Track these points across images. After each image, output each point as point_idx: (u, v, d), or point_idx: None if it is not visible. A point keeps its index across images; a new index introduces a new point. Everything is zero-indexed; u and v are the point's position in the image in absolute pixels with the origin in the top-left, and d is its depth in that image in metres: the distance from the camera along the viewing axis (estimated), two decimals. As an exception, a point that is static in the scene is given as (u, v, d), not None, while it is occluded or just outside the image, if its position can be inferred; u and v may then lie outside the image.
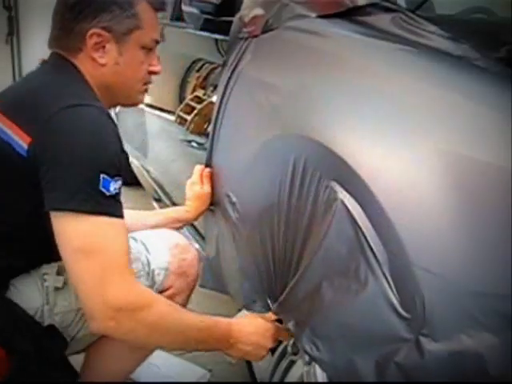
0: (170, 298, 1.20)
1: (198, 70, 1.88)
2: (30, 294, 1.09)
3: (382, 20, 1.03)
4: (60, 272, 1.10)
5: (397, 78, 0.91)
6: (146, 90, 1.23)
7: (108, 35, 1.09)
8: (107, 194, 0.99)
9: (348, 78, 0.99)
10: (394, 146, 0.85)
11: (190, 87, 1.90)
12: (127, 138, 2.98)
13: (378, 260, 0.82)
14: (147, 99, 2.44)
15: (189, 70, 1.95)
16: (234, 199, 1.25)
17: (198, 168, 1.41)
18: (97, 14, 1.08)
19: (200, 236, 1.81)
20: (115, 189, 1.00)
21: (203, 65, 1.84)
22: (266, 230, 1.11)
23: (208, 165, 1.40)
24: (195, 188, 1.39)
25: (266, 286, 1.16)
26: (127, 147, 2.99)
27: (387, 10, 1.04)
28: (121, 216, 1.02)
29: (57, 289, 1.10)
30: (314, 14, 1.15)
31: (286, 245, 1.06)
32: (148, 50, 1.17)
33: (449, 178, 0.77)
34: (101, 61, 1.11)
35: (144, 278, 1.17)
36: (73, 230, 0.97)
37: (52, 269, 1.11)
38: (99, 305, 0.96)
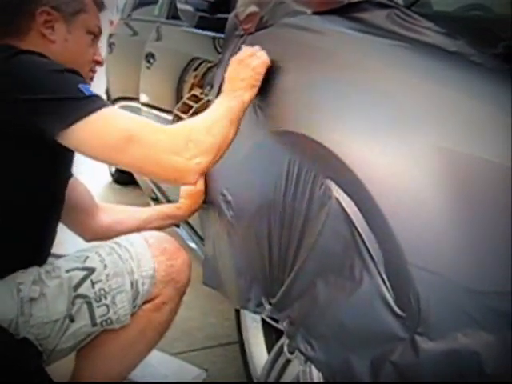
0: (159, 306, 1.19)
1: (195, 69, 1.87)
2: (4, 304, 1.05)
3: (378, 16, 1.02)
4: (36, 282, 1.08)
5: (392, 74, 0.90)
6: (91, 79, 1.24)
7: (57, 14, 1.14)
8: (94, 94, 1.03)
9: (343, 74, 0.98)
10: (389, 144, 0.84)
11: (187, 86, 1.89)
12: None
13: (372, 258, 0.82)
14: (144, 98, 2.44)
15: (186, 68, 1.95)
16: (229, 197, 1.24)
17: None
18: None
19: (197, 235, 1.80)
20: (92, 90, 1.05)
21: (201, 63, 1.83)
22: (261, 228, 1.10)
23: (203, 163, 1.39)
24: (188, 186, 1.38)
25: (261, 284, 1.16)
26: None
27: (382, 6, 1.02)
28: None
29: (32, 299, 1.06)
30: (309, 11, 1.14)
31: (281, 243, 1.05)
32: (93, 37, 1.21)
33: (444, 175, 0.76)
34: (51, 37, 1.13)
35: (125, 292, 1.13)
36: (100, 130, 1.00)
37: (28, 277, 1.08)
38: (181, 163, 1.01)
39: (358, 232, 0.84)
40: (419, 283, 0.75)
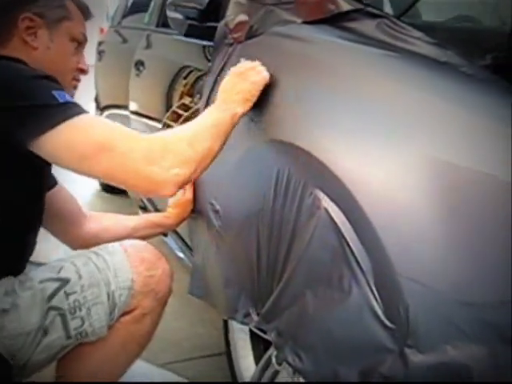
0: (139, 318, 1.16)
1: (185, 77, 1.86)
2: None
3: (367, 26, 1.02)
4: (8, 293, 1.05)
5: (382, 84, 0.89)
6: (74, 87, 1.22)
7: (40, 21, 1.12)
8: (70, 101, 1.01)
9: (334, 84, 0.98)
10: (379, 154, 0.83)
11: (176, 94, 1.88)
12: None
13: (361, 269, 0.81)
14: (133, 106, 2.43)
15: (176, 76, 1.94)
16: (218, 207, 1.23)
17: None
18: (30, 1, 1.13)
19: (185, 245, 1.79)
20: (69, 97, 1.02)
21: (190, 72, 1.82)
22: (250, 237, 1.09)
23: (192, 172, 1.38)
24: (176, 195, 1.37)
25: (249, 294, 1.15)
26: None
27: (372, 15, 1.02)
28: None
29: (4, 311, 1.03)
30: (299, 20, 1.14)
31: (270, 253, 1.04)
32: (77, 45, 1.19)
33: (434, 185, 0.76)
34: (33, 44, 1.12)
35: (101, 304, 1.10)
36: (72, 139, 0.97)
37: (0, 288, 1.05)
38: (157, 173, 0.97)
39: (347, 242, 0.83)
40: (409, 294, 0.75)
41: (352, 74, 0.95)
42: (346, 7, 1.08)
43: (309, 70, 1.04)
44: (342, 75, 0.97)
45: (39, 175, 1.13)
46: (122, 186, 1.03)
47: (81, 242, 1.34)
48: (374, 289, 0.79)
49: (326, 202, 0.87)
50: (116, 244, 1.19)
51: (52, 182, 1.30)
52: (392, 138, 0.83)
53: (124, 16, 3.10)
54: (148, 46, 2.32)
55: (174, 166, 0.98)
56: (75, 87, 1.22)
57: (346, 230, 0.84)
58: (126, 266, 1.14)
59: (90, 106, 3.14)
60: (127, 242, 1.20)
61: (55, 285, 1.08)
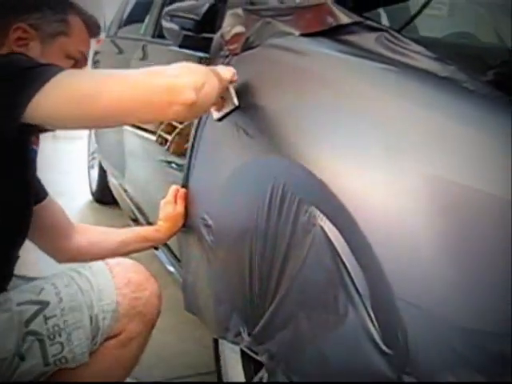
0: (125, 342, 1.11)
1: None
2: None
3: (367, 39, 0.99)
4: None
5: (381, 98, 0.87)
6: None
7: (34, 33, 1.08)
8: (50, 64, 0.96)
9: (331, 98, 0.95)
10: (378, 171, 0.80)
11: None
12: (105, 156, 2.94)
13: (358, 291, 0.77)
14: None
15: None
16: (210, 222, 1.20)
17: (173, 188, 1.37)
18: (28, 10, 1.08)
19: (176, 259, 1.75)
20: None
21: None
22: (242, 254, 1.06)
23: (185, 186, 1.36)
24: (168, 208, 1.35)
25: (240, 314, 1.11)
26: (105, 166, 2.96)
27: (372, 29, 1.00)
28: None
29: None
30: (297, 32, 1.11)
31: (263, 272, 1.01)
32: (74, 63, 1.13)
33: (434, 204, 0.72)
34: None
35: (83, 329, 1.05)
36: (66, 88, 0.90)
37: None
38: (170, 79, 0.94)
39: (343, 263, 0.80)
40: (408, 319, 0.71)
41: (351, 89, 0.92)
42: (344, 20, 1.05)
43: (306, 84, 1.01)
44: (340, 90, 0.94)
45: (25, 189, 1.09)
46: (139, 114, 0.95)
47: (67, 255, 1.30)
48: (371, 312, 0.76)
49: (322, 220, 0.84)
50: (101, 263, 1.14)
51: (42, 195, 1.26)
52: (391, 154, 0.80)
53: (120, 26, 3.08)
54: (144, 57, 2.30)
55: (178, 75, 0.95)
56: None
57: (342, 249, 0.80)
58: (111, 287, 1.09)
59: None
60: (113, 261, 1.15)
61: (34, 308, 1.03)
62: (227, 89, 1.11)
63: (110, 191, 2.94)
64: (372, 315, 0.75)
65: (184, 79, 0.94)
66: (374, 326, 0.75)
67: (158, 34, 2.23)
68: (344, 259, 0.80)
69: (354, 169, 0.83)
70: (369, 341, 0.75)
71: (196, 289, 1.33)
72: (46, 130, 1.11)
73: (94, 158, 3.46)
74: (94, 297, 1.07)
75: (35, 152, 1.16)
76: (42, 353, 1.02)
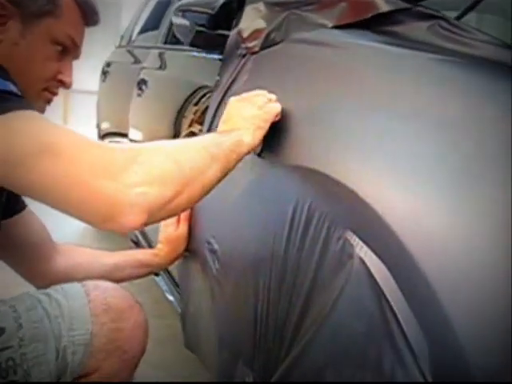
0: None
1: (196, 103, 1.68)
2: None
3: (417, 29, 0.83)
4: None
5: (438, 99, 0.68)
6: (48, 102, 1.00)
7: (14, 10, 0.92)
8: (14, 92, 0.81)
9: (371, 98, 0.77)
10: (433, 185, 0.61)
11: (186, 122, 1.71)
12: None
13: (411, 348, 0.57)
14: (135, 135, 2.24)
15: (187, 100, 1.76)
16: (216, 247, 1.05)
17: None
18: None
19: (177, 286, 1.57)
20: (14, 88, 0.83)
21: (202, 96, 1.64)
22: (254, 287, 0.90)
23: (190, 205, 1.20)
24: (169, 230, 1.23)
25: (248, 361, 0.92)
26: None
27: (422, 16, 0.83)
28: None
29: None
30: (330, 24, 0.95)
31: (279, 311, 0.83)
32: (62, 49, 0.97)
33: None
34: None
35: (45, 364, 0.86)
36: (12, 132, 0.74)
37: None
38: (112, 190, 0.72)
39: (391, 307, 0.60)
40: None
41: (404, 87, 0.73)
42: (386, 7, 0.88)
43: (339, 82, 0.84)
44: (382, 88, 0.76)
45: None
46: (65, 211, 0.76)
47: (46, 280, 1.10)
48: (429, 379, 0.55)
49: (362, 250, 0.65)
50: (77, 284, 0.95)
51: (18, 207, 1.08)
52: (451, 165, 0.61)
53: (131, 36, 2.97)
54: (157, 65, 2.16)
55: (139, 182, 0.73)
56: (48, 101, 0.99)
57: (390, 289, 0.61)
58: (86, 313, 0.90)
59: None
60: (91, 283, 0.96)
61: None
62: None
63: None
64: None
65: (133, 191, 0.74)
66: (433, 399, 0.55)
67: (171, 40, 2.10)
68: (392, 303, 0.60)
69: (404, 184, 0.64)
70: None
71: (197, 324, 1.19)
72: None
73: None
74: (64, 325, 0.88)
75: None
76: None
